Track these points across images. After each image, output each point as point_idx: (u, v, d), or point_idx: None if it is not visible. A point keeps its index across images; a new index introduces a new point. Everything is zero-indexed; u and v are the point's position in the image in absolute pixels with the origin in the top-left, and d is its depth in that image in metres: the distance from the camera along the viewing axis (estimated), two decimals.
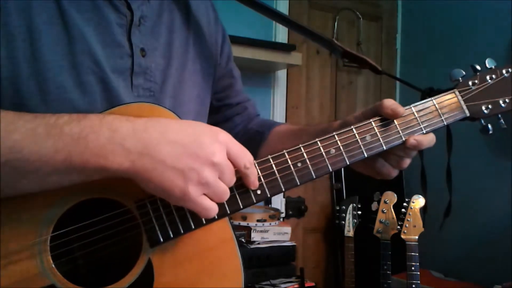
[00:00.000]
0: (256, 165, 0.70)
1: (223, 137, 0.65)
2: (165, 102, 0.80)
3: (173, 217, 0.66)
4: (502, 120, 0.84)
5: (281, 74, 2.69)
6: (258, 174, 0.69)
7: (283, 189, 0.71)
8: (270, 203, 2.33)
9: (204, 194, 0.62)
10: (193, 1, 0.90)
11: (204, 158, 0.61)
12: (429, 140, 0.77)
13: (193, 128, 0.64)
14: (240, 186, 0.68)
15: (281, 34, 2.64)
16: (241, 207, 0.69)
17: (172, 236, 0.66)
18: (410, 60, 3.05)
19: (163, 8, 0.83)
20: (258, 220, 2.07)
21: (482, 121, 0.83)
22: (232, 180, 0.65)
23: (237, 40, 2.09)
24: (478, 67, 0.83)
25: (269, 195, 0.70)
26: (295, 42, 2.54)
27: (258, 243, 2.07)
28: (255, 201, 0.69)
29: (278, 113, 2.66)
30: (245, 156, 0.66)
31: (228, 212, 0.67)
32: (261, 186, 0.69)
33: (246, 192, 0.69)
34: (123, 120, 0.61)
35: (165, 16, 0.83)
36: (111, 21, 0.73)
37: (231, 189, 0.66)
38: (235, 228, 2.06)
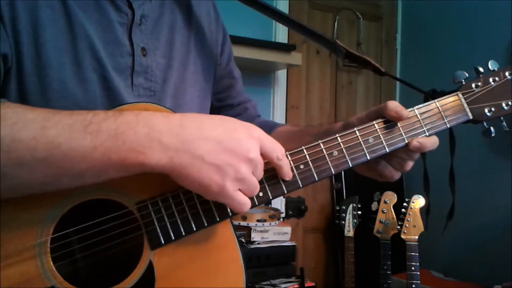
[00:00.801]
0: None
1: (257, 132, 0.65)
2: (165, 102, 0.80)
3: (174, 219, 0.66)
4: (504, 122, 0.83)
5: (281, 74, 2.69)
6: (263, 180, 0.69)
7: (285, 191, 0.71)
8: (270, 203, 2.33)
9: (239, 189, 0.64)
10: (194, 1, 0.89)
11: (240, 154, 0.62)
12: (432, 142, 0.77)
13: (228, 123, 0.65)
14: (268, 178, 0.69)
15: (281, 34, 2.64)
16: (270, 196, 0.70)
17: (173, 238, 0.66)
18: (410, 60, 3.05)
19: (165, 8, 0.83)
20: (258, 220, 2.07)
21: (485, 124, 0.82)
22: (262, 174, 0.66)
23: (237, 40, 2.09)
24: (481, 69, 0.83)
25: (271, 197, 0.70)
26: (295, 42, 2.54)
27: (258, 243, 2.07)
28: (257, 203, 0.69)
29: (278, 113, 2.66)
30: (277, 149, 0.67)
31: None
32: (263, 188, 0.69)
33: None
34: (159, 117, 0.62)
35: (167, 16, 0.83)
36: (112, 19, 0.74)
37: None
38: (235, 228, 2.05)
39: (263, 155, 0.66)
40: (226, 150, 0.62)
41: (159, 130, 0.60)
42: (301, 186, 0.71)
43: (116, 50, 0.74)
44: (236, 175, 0.62)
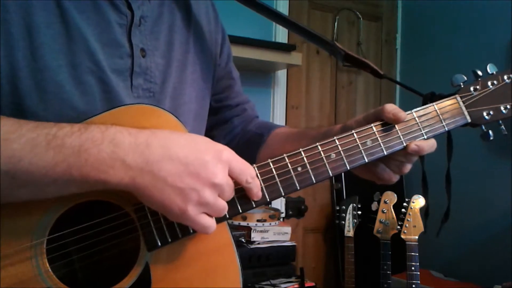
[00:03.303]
0: (256, 169, 0.69)
1: (227, 155, 0.64)
2: (164, 103, 0.79)
3: (171, 221, 0.66)
4: (502, 126, 0.83)
5: (281, 74, 2.68)
6: (260, 183, 0.69)
7: (283, 194, 0.71)
8: (270, 203, 2.33)
9: (203, 212, 0.63)
10: (193, 1, 0.89)
11: (205, 179, 0.61)
12: (430, 145, 0.77)
13: (197, 145, 0.63)
14: (239, 190, 0.67)
15: (281, 34, 2.63)
16: (240, 211, 0.69)
17: (170, 240, 0.66)
18: (410, 60, 3.05)
19: (164, 8, 0.82)
20: (258, 220, 2.07)
21: (483, 127, 0.82)
22: (231, 195, 0.65)
23: (237, 40, 2.08)
24: (480, 73, 0.82)
25: (268, 200, 0.70)
26: (295, 42, 2.54)
27: (258, 243, 2.07)
28: (254, 206, 0.69)
29: (278, 113, 2.66)
30: (247, 172, 0.66)
31: (227, 217, 0.67)
32: (260, 191, 0.69)
33: (245, 197, 0.68)
34: (126, 134, 0.61)
35: (166, 16, 0.82)
36: (111, 20, 0.73)
37: None
38: (235, 228, 2.06)
39: (232, 177, 0.65)
40: (191, 174, 0.61)
41: (123, 149, 0.59)
42: (298, 188, 0.71)
43: (115, 51, 0.73)
44: (199, 200, 0.61)
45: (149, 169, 0.59)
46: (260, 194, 0.69)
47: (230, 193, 0.65)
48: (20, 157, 0.57)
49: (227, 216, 0.67)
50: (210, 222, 0.63)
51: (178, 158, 0.61)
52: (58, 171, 0.58)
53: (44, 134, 0.58)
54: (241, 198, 0.68)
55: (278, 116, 2.65)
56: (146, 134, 0.62)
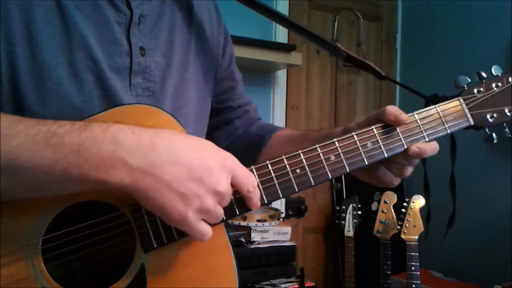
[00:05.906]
0: (253, 170, 0.69)
1: (231, 163, 0.64)
2: (165, 102, 0.79)
3: None
4: (507, 129, 0.82)
5: (281, 74, 2.68)
6: (258, 184, 0.68)
7: (281, 196, 0.70)
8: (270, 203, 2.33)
9: (202, 219, 0.62)
10: (195, 1, 0.88)
11: (209, 186, 0.60)
12: (432, 148, 0.76)
13: (202, 149, 0.63)
14: (236, 191, 0.67)
15: (281, 34, 2.63)
16: (237, 213, 0.68)
17: (166, 241, 0.65)
18: (410, 60, 3.05)
19: (165, 8, 0.82)
20: (258, 220, 2.07)
21: (487, 130, 0.81)
22: (228, 202, 0.64)
23: (237, 40, 2.07)
24: (484, 74, 0.81)
25: (266, 202, 0.69)
26: (295, 42, 2.54)
27: (258, 243, 2.07)
28: (252, 209, 0.68)
29: (278, 113, 2.66)
30: (249, 181, 0.65)
31: (225, 219, 0.67)
32: (260, 200, 0.68)
33: (243, 199, 0.67)
34: (129, 133, 0.59)
35: (166, 16, 0.82)
36: (110, 19, 0.73)
37: None
38: (235, 228, 2.06)
39: (234, 185, 0.64)
40: (195, 179, 0.60)
41: (126, 149, 0.58)
42: (297, 190, 0.71)
43: (114, 49, 0.73)
44: (200, 207, 0.60)
45: (152, 172, 0.58)
46: (259, 204, 0.68)
47: (228, 201, 0.64)
48: (19, 153, 0.55)
49: (225, 218, 0.66)
50: (208, 229, 0.62)
51: (182, 162, 0.60)
52: (56, 169, 0.56)
53: (44, 131, 0.57)
54: (239, 200, 0.67)
55: (278, 116, 2.65)
56: (150, 135, 0.60)
